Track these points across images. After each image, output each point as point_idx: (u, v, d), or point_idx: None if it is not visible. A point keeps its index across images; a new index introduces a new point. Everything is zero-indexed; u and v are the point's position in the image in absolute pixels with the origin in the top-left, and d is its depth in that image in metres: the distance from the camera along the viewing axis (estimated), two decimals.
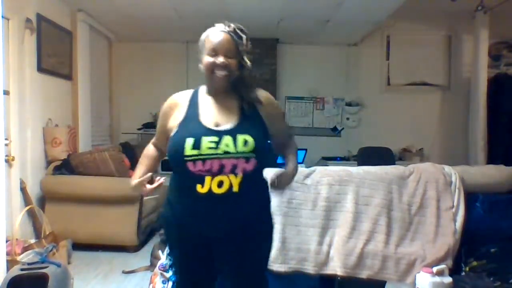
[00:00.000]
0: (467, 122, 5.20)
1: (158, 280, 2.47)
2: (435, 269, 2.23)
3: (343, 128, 5.77)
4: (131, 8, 4.39)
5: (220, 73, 1.42)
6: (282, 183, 1.53)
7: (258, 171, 1.43)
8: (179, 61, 5.80)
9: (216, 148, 1.35)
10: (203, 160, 1.34)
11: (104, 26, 5.10)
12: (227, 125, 1.41)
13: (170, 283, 2.44)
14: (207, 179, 1.34)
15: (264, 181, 1.50)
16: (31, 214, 3.45)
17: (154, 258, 2.97)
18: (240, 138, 1.37)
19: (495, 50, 5.45)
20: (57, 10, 4.12)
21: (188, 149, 1.35)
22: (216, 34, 1.44)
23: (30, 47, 3.57)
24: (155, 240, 3.77)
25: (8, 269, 2.44)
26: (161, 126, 1.58)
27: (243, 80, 1.48)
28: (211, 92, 1.49)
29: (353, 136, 5.68)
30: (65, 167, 3.76)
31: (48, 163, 3.85)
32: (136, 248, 3.67)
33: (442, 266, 2.27)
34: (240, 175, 1.36)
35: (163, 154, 1.61)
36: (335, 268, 2.31)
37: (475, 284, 2.27)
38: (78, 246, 3.47)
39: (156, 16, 4.65)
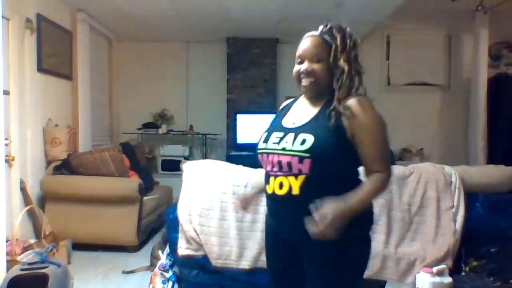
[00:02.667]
0: (467, 122, 5.20)
1: (158, 280, 2.47)
2: (435, 269, 2.23)
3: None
4: (131, 8, 4.39)
5: (305, 81, 1.36)
6: (322, 215, 1.18)
7: (322, 175, 1.27)
8: (179, 61, 5.81)
9: (278, 143, 1.34)
10: (267, 154, 1.36)
11: (104, 26, 5.10)
12: (300, 124, 1.36)
13: (170, 283, 2.44)
14: (271, 180, 1.35)
15: (343, 188, 1.26)
16: (31, 214, 3.45)
17: (154, 258, 2.97)
18: (301, 136, 1.29)
19: (495, 50, 5.45)
20: (57, 10, 4.12)
21: (261, 142, 1.41)
22: (304, 40, 1.39)
23: (30, 47, 3.57)
24: (155, 240, 3.77)
25: (8, 269, 2.43)
26: None
27: (338, 84, 1.32)
28: (306, 98, 1.45)
29: None
30: (65, 167, 3.76)
31: (48, 163, 3.85)
32: (136, 248, 3.67)
33: (442, 266, 2.27)
34: (300, 177, 1.27)
35: None
36: None
37: (475, 284, 2.27)
38: (78, 246, 3.47)
39: (156, 16, 4.65)
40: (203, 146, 5.77)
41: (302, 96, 1.47)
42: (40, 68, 3.73)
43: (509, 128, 5.05)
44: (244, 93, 5.56)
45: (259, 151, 1.41)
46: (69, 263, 3.18)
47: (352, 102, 1.31)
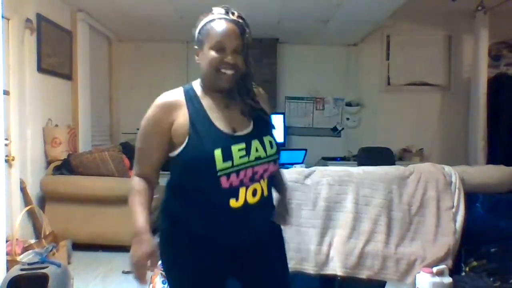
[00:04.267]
0: (467, 122, 5.20)
1: (158, 280, 2.47)
2: (435, 269, 2.23)
3: (343, 128, 5.77)
4: (131, 8, 4.39)
5: (227, 72, 1.22)
6: (283, 215, 1.38)
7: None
8: (179, 61, 5.80)
9: (247, 155, 1.19)
10: (237, 172, 1.18)
11: (104, 26, 5.10)
12: (246, 128, 1.25)
13: None
14: (242, 190, 1.19)
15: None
16: (31, 214, 3.45)
17: None
18: (266, 140, 1.24)
19: (495, 50, 5.45)
20: (57, 10, 4.12)
21: (220, 163, 1.15)
22: (222, 24, 1.23)
23: (30, 47, 3.57)
24: (155, 240, 3.76)
25: (8, 269, 2.44)
26: (156, 141, 1.28)
27: (247, 79, 1.30)
28: (211, 91, 1.28)
29: (353, 136, 5.68)
30: (65, 167, 3.76)
31: (48, 163, 3.85)
32: None
33: (442, 266, 2.27)
34: (267, 178, 1.25)
35: (154, 188, 1.38)
36: (335, 268, 2.30)
37: (475, 284, 2.27)
38: (78, 246, 3.47)
39: (156, 16, 4.65)
40: None
41: (195, 91, 1.32)
42: (40, 68, 3.73)
43: (509, 128, 5.05)
44: None
45: (221, 172, 1.16)
46: (69, 263, 3.18)
47: (260, 89, 1.43)
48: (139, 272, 1.20)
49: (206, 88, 1.31)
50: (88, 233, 3.56)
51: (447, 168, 2.60)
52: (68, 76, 4.32)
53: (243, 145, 1.20)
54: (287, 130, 5.61)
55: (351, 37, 5.50)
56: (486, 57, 4.96)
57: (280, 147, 1.31)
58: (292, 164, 4.23)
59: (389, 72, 5.73)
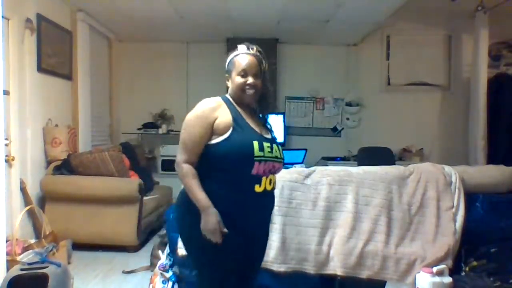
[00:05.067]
0: (467, 122, 5.20)
1: (158, 280, 2.47)
2: (435, 269, 2.23)
3: (343, 128, 5.77)
4: (131, 8, 4.39)
5: (249, 91, 1.64)
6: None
7: None
8: (179, 61, 5.81)
9: (271, 152, 1.59)
10: (265, 162, 1.56)
11: (104, 26, 5.10)
12: (267, 134, 1.69)
13: (170, 283, 2.44)
14: (264, 179, 1.57)
15: None
16: (31, 214, 3.46)
17: (154, 258, 2.97)
18: (276, 146, 1.65)
19: (495, 50, 5.45)
20: (57, 10, 4.12)
21: (257, 151, 1.53)
22: (244, 57, 1.66)
23: (30, 47, 3.57)
24: (155, 240, 3.77)
25: (8, 269, 2.44)
26: (204, 132, 1.57)
27: (266, 97, 1.72)
28: (239, 105, 1.67)
29: (353, 136, 5.68)
30: (65, 167, 3.76)
31: (48, 163, 3.85)
32: (136, 248, 3.67)
33: (442, 266, 2.27)
34: (275, 173, 1.65)
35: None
36: (335, 268, 2.31)
37: (475, 284, 2.27)
38: (78, 246, 3.47)
39: (156, 16, 4.65)
40: None
41: (230, 101, 1.67)
42: (40, 68, 3.73)
43: (509, 128, 5.05)
44: None
45: (256, 158, 1.53)
46: (69, 263, 3.18)
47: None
48: (215, 235, 1.49)
49: (236, 103, 1.68)
50: (88, 233, 3.56)
51: (447, 168, 2.60)
52: (68, 76, 4.32)
53: (269, 144, 1.61)
54: (287, 130, 5.61)
55: (351, 37, 5.50)
56: (486, 57, 4.96)
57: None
58: (292, 164, 4.23)
59: (389, 72, 5.73)
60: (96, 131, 5.00)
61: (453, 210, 2.45)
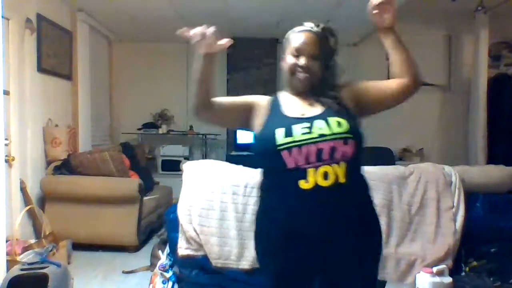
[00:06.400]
0: (467, 122, 5.20)
1: (158, 280, 2.47)
2: (435, 269, 2.23)
3: None
4: (131, 8, 4.39)
5: (301, 75, 1.38)
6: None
7: (359, 158, 1.30)
8: (179, 61, 5.80)
9: (310, 132, 1.25)
10: (299, 147, 1.23)
11: (104, 26, 5.10)
12: (314, 112, 1.33)
13: (170, 283, 2.44)
14: (310, 172, 1.22)
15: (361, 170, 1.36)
16: (31, 214, 3.46)
17: (154, 258, 2.97)
18: (332, 120, 1.27)
19: (495, 50, 5.45)
20: (57, 10, 4.12)
21: (281, 138, 1.26)
22: (301, 33, 1.40)
23: (30, 47, 3.57)
24: (155, 240, 3.77)
25: (8, 269, 2.43)
26: (237, 100, 1.47)
27: (326, 82, 1.40)
28: (292, 91, 1.44)
29: None
30: (65, 167, 3.76)
31: (48, 163, 3.85)
32: (136, 248, 3.67)
33: (442, 266, 2.27)
34: (343, 163, 1.23)
35: (210, 97, 1.38)
36: None
37: (475, 284, 2.27)
38: (78, 246, 3.47)
39: (156, 16, 4.65)
40: (203, 146, 5.78)
41: (280, 94, 1.48)
42: (40, 68, 3.73)
43: (509, 128, 5.05)
44: (244, 93, 5.44)
45: (282, 146, 1.24)
46: (69, 263, 3.18)
47: (349, 84, 1.44)
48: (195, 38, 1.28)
49: (288, 90, 1.48)
50: (88, 233, 3.56)
51: (447, 168, 2.60)
52: (68, 76, 4.32)
53: (306, 124, 1.28)
54: None
55: (351, 37, 5.50)
56: (486, 57, 4.96)
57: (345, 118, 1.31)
58: None
59: (389, 72, 5.72)
60: (96, 131, 5.00)
61: (453, 210, 2.45)
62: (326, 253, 1.28)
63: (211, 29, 1.30)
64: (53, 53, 3.98)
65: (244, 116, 1.44)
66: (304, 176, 1.22)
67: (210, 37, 1.30)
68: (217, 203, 2.44)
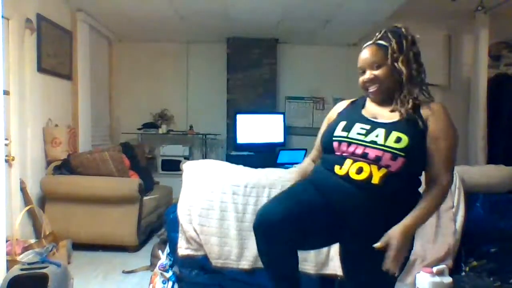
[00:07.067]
0: (467, 122, 5.19)
1: (158, 280, 2.47)
2: (435, 269, 2.23)
3: None
4: (131, 8, 4.39)
5: (370, 89, 1.45)
6: (390, 245, 1.26)
7: (408, 174, 1.33)
8: (179, 61, 5.82)
9: (365, 135, 1.35)
10: (349, 143, 1.36)
11: (104, 26, 5.10)
12: (387, 120, 1.39)
13: (170, 283, 2.44)
14: (348, 161, 1.35)
15: (411, 191, 1.39)
16: (31, 214, 3.45)
17: (154, 258, 2.97)
18: (394, 134, 1.31)
19: (495, 50, 5.44)
20: (57, 10, 4.12)
21: (339, 130, 1.41)
22: (363, 51, 1.49)
23: (30, 47, 3.57)
24: (155, 240, 3.77)
25: (8, 269, 2.43)
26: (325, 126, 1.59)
27: (401, 85, 1.43)
28: (374, 100, 1.50)
29: None
30: (65, 167, 3.76)
31: (48, 163, 3.85)
32: (136, 248, 3.67)
33: (442, 266, 2.27)
34: (384, 169, 1.29)
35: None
36: (335, 268, 2.31)
37: (475, 284, 2.27)
38: (78, 246, 3.47)
39: (156, 16, 4.66)
40: (203, 146, 5.78)
41: (367, 98, 1.54)
42: (40, 68, 3.73)
43: (509, 128, 5.05)
44: (244, 93, 5.56)
45: (335, 138, 1.40)
46: (69, 263, 3.18)
47: (437, 107, 1.44)
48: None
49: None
50: (88, 233, 3.56)
51: None
52: (68, 76, 4.32)
53: (367, 127, 1.37)
54: (287, 130, 5.61)
55: (351, 37, 5.50)
56: (486, 57, 4.96)
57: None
58: (292, 164, 4.23)
59: None
60: (96, 131, 5.00)
61: (453, 210, 2.45)
62: (349, 227, 1.36)
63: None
64: (53, 53, 3.98)
65: None
66: (341, 163, 1.35)
67: None
68: (217, 203, 2.44)
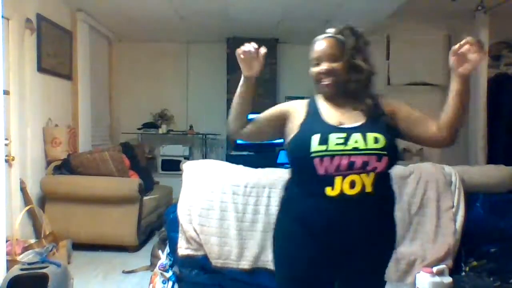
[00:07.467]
0: (467, 122, 5.19)
1: (158, 280, 2.47)
2: (435, 269, 2.23)
3: None
4: (131, 8, 4.39)
5: (325, 81, 1.38)
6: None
7: (388, 171, 1.32)
8: (179, 61, 5.82)
9: (345, 144, 1.26)
10: (331, 156, 1.25)
11: (104, 26, 5.10)
12: (354, 123, 1.33)
13: (170, 283, 2.44)
14: (338, 180, 1.24)
15: (390, 181, 1.39)
16: (31, 214, 3.45)
17: (154, 258, 2.97)
18: (370, 135, 1.28)
19: (495, 50, 5.44)
20: (57, 10, 4.12)
21: (315, 145, 1.26)
22: (319, 42, 1.42)
23: (30, 47, 3.57)
24: (155, 240, 3.76)
25: (8, 269, 2.44)
26: (272, 114, 1.50)
27: (357, 83, 1.39)
28: (325, 98, 1.43)
29: None
30: (65, 167, 3.76)
31: (48, 163, 3.85)
32: (136, 248, 3.67)
33: (442, 266, 2.27)
34: (372, 173, 1.25)
35: (247, 119, 1.49)
36: None
37: (475, 284, 2.27)
38: (78, 246, 3.47)
39: (156, 16, 4.66)
40: (203, 146, 5.78)
41: (316, 98, 1.46)
42: (40, 68, 3.73)
43: (509, 128, 5.05)
44: None
45: (316, 154, 1.26)
46: (69, 263, 3.18)
47: (388, 99, 1.46)
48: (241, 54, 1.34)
49: (322, 96, 1.46)
50: (88, 233, 3.56)
51: (447, 168, 2.60)
52: (68, 76, 4.32)
53: (342, 135, 1.28)
54: None
55: None
56: (486, 57, 4.96)
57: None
58: None
59: (389, 72, 5.72)
60: (96, 131, 5.00)
61: (453, 210, 2.45)
62: (345, 259, 1.32)
63: (263, 50, 1.36)
64: (53, 53, 3.98)
65: (280, 126, 1.46)
66: (331, 183, 1.25)
67: (256, 55, 1.35)
68: (217, 203, 2.44)
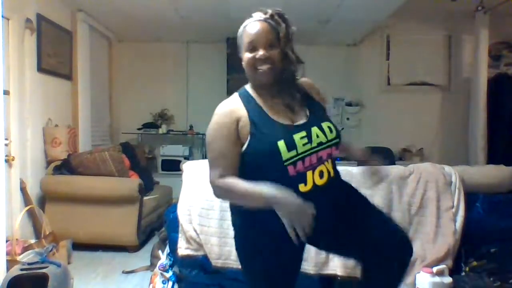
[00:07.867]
0: (467, 122, 5.20)
1: (158, 280, 2.47)
2: (435, 269, 2.23)
3: (343, 128, 5.76)
4: (131, 8, 4.39)
5: (262, 67, 1.31)
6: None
7: None
8: (179, 61, 5.81)
9: (310, 142, 1.27)
10: (303, 159, 1.25)
11: (104, 26, 5.10)
12: (303, 118, 1.33)
13: (170, 283, 2.44)
14: (309, 174, 1.27)
15: None
16: (31, 214, 3.45)
17: (154, 258, 2.97)
18: (325, 126, 1.32)
19: (495, 50, 5.44)
20: (57, 10, 4.12)
21: (285, 153, 1.23)
22: (253, 25, 1.33)
23: (30, 47, 3.57)
24: (155, 240, 3.76)
25: (8, 269, 2.44)
26: (229, 142, 1.32)
27: (287, 72, 1.35)
28: (260, 90, 1.37)
29: (353, 136, 5.68)
30: (65, 167, 3.76)
31: (48, 163, 3.85)
32: (136, 248, 3.67)
33: (442, 266, 2.27)
34: (330, 160, 1.35)
35: None
36: (335, 268, 2.31)
37: (475, 284, 2.27)
38: (78, 246, 3.47)
39: (156, 16, 4.65)
40: (203, 146, 5.78)
41: (250, 93, 1.37)
42: (40, 68, 3.73)
43: (509, 128, 5.05)
44: None
45: (289, 161, 1.23)
46: (69, 263, 3.18)
47: (306, 81, 1.49)
48: (304, 217, 1.15)
49: (256, 88, 1.39)
50: (88, 233, 3.56)
51: (447, 168, 2.60)
52: (68, 76, 4.32)
53: (303, 133, 1.28)
54: None
55: (351, 37, 5.50)
56: (486, 57, 4.96)
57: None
58: None
59: (389, 72, 5.73)
60: (96, 131, 5.00)
61: (453, 210, 2.45)
62: (324, 240, 1.43)
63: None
64: (53, 53, 3.98)
65: (241, 144, 1.35)
66: (304, 179, 1.27)
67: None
68: (217, 203, 2.44)
